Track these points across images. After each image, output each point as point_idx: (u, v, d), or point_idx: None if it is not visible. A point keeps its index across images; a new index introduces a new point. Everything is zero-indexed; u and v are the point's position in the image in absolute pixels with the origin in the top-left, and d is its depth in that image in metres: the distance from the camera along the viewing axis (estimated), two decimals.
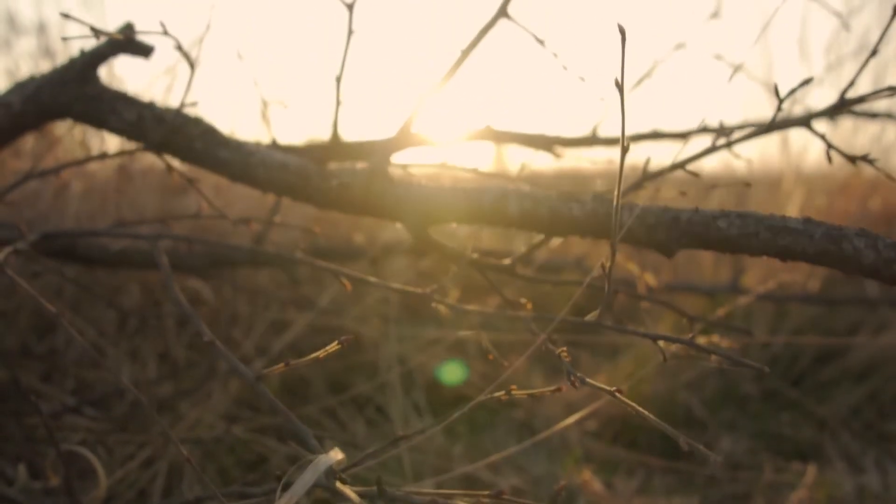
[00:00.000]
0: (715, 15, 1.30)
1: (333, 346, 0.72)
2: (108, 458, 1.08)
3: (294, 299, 1.39)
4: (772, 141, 2.37)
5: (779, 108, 0.81)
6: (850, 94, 0.81)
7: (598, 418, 1.64)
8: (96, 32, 0.79)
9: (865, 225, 2.05)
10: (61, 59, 1.92)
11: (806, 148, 2.38)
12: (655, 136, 1.47)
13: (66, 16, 0.77)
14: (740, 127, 1.55)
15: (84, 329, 1.24)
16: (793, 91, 0.80)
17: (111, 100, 0.95)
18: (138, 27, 0.94)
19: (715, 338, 1.16)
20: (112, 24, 1.98)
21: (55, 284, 1.25)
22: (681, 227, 0.77)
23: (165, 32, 0.85)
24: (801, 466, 1.39)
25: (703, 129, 1.48)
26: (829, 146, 0.83)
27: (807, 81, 0.79)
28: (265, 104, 1.26)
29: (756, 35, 2.35)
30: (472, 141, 1.27)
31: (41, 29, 1.87)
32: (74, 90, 0.95)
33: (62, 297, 1.25)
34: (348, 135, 1.15)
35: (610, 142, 1.40)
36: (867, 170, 2.21)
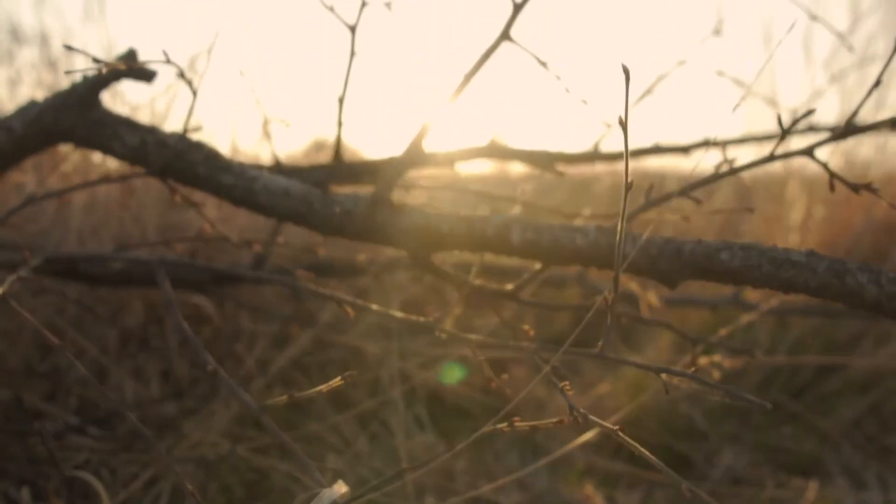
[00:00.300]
0: (717, 32, 1.30)
1: (337, 382, 0.72)
2: (111, 478, 1.08)
3: (296, 315, 1.40)
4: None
5: (782, 138, 0.81)
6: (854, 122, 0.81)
7: (599, 430, 1.64)
8: (98, 63, 0.79)
9: (868, 234, 2.05)
10: (63, 68, 1.93)
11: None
12: (657, 150, 1.47)
13: (68, 47, 0.77)
14: (742, 140, 1.56)
15: (87, 347, 1.24)
16: (796, 122, 0.80)
17: (114, 124, 0.96)
18: (142, 33, 0.95)
19: (717, 357, 1.17)
20: (114, 33, 1.98)
21: (58, 302, 1.25)
22: (683, 259, 0.77)
23: (168, 60, 0.85)
24: (802, 482, 1.39)
25: (705, 143, 1.48)
26: (832, 175, 0.83)
27: (810, 112, 0.79)
28: (266, 121, 1.26)
29: (759, 44, 2.34)
30: (474, 158, 1.28)
31: (43, 40, 1.88)
32: (77, 115, 0.95)
33: (65, 314, 1.25)
34: (351, 150, 1.15)
35: (612, 157, 1.40)
36: (872, 177, 2.20)
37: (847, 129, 0.80)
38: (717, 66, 1.42)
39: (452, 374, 1.67)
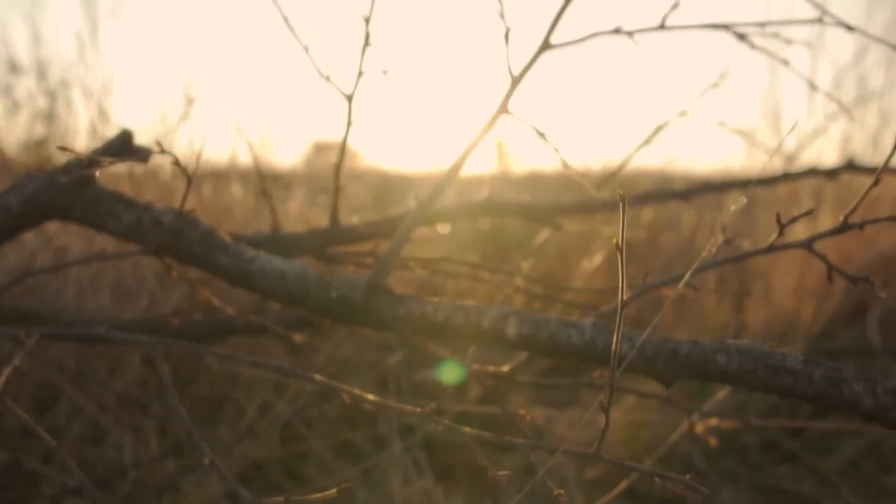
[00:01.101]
0: (716, 85, 1.29)
1: (331, 493, 0.72)
2: None
3: (295, 367, 1.39)
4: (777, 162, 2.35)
5: (780, 233, 0.81)
6: (853, 218, 0.81)
7: (598, 464, 1.65)
8: (91, 157, 0.79)
9: (868, 267, 2.03)
10: (61, 99, 1.93)
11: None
12: (658, 195, 1.47)
13: (62, 148, 0.77)
14: (744, 183, 1.55)
15: (85, 405, 1.24)
16: (794, 219, 0.79)
17: (109, 202, 0.95)
18: (141, 48, 0.94)
19: (714, 420, 1.17)
20: (109, 64, 1.96)
21: (56, 358, 1.25)
22: (679, 360, 0.77)
23: (162, 150, 0.85)
24: None
25: (706, 188, 1.47)
26: (831, 267, 0.83)
27: (808, 212, 0.79)
28: (263, 179, 1.26)
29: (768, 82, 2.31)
30: (472, 216, 1.27)
31: (40, 71, 1.87)
32: (72, 194, 0.95)
33: (63, 371, 1.25)
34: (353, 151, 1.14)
35: (610, 207, 1.40)
36: (878, 211, 2.19)
37: (845, 226, 0.80)
38: (724, 96, 1.41)
39: (451, 374, 1.68)
